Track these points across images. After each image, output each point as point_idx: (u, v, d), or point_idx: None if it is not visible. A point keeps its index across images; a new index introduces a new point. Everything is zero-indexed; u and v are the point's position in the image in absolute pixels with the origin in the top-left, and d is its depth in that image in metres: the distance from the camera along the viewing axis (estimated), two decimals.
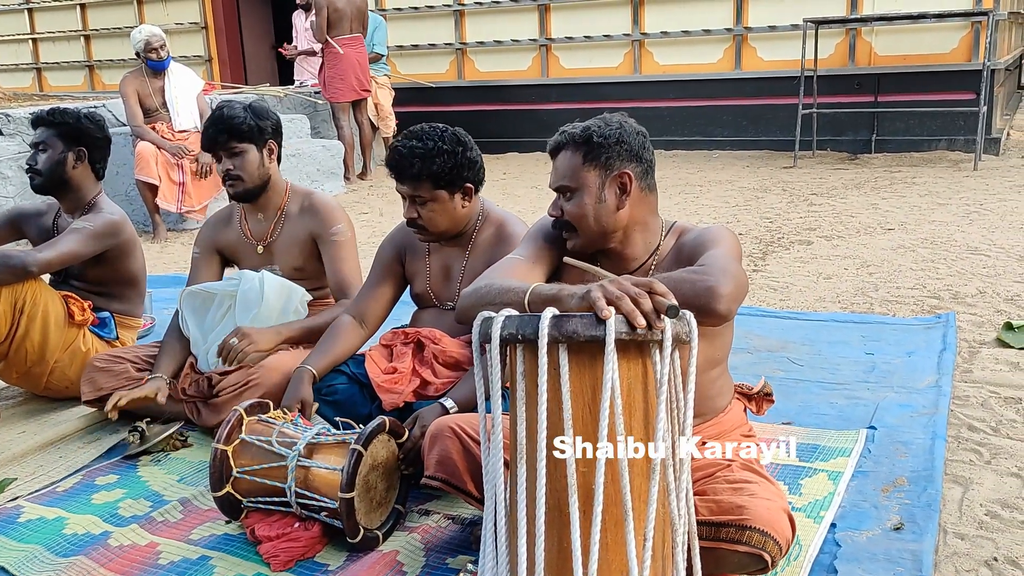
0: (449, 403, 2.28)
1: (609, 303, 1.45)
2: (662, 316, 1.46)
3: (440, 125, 2.49)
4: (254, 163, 2.89)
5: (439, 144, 2.42)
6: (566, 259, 1.95)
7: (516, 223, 2.58)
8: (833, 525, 2.11)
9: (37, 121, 3.19)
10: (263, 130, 2.90)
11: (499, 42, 9.66)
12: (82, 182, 3.18)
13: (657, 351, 1.46)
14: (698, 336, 1.52)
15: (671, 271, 1.80)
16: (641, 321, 1.44)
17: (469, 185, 2.50)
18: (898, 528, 2.08)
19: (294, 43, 9.07)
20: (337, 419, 2.36)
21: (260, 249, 2.97)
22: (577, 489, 1.42)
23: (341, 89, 7.82)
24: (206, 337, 2.84)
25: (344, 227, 2.90)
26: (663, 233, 2.03)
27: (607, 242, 1.99)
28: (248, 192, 2.91)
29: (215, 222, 3.08)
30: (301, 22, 8.87)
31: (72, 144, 3.13)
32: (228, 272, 3.06)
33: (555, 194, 2.01)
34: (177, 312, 2.92)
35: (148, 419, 2.81)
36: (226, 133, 2.84)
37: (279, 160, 3.01)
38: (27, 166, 3.16)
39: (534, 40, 9.50)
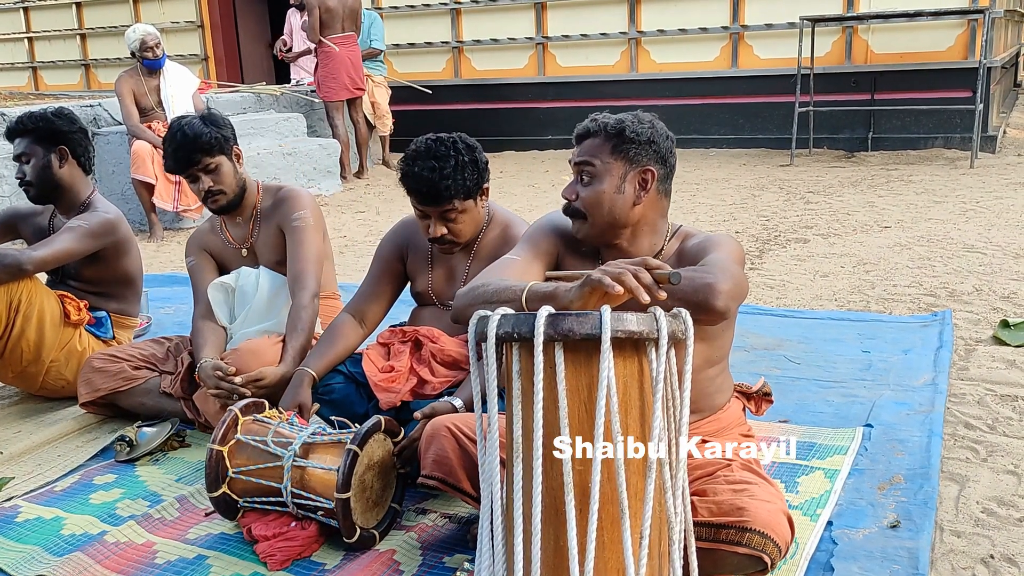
0: (458, 403, 2.26)
1: (614, 280, 1.49)
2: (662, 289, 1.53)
3: (444, 136, 2.43)
4: (230, 174, 2.84)
5: (459, 157, 2.38)
6: (548, 273, 1.96)
7: (521, 225, 2.56)
8: (830, 523, 2.11)
9: (11, 133, 3.16)
10: (227, 138, 2.84)
11: (496, 40, 9.66)
12: (73, 181, 3.18)
13: (653, 349, 1.46)
14: (698, 338, 1.53)
15: None
16: (645, 297, 1.49)
17: (487, 185, 2.50)
18: (894, 526, 2.08)
19: (288, 42, 9.06)
20: (333, 418, 2.35)
21: (244, 252, 2.95)
22: (573, 487, 1.42)
23: (334, 88, 7.81)
24: (233, 334, 2.86)
25: (306, 213, 2.85)
26: (668, 236, 2.04)
27: (614, 236, 1.99)
28: (231, 203, 2.87)
29: (199, 232, 3.05)
30: (296, 20, 8.86)
31: (51, 145, 3.12)
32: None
33: (563, 193, 2.01)
34: (194, 316, 2.92)
35: (139, 423, 2.81)
36: (198, 152, 2.76)
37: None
38: (18, 180, 3.15)
39: (531, 38, 9.49)
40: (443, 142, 2.41)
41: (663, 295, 1.53)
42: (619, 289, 1.49)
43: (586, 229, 1.98)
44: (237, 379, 2.56)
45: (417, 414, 2.22)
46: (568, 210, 2.00)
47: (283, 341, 2.71)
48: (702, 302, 1.67)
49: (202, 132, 2.77)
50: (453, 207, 2.42)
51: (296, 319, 2.72)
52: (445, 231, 2.45)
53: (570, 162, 2.01)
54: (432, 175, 2.36)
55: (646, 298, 1.50)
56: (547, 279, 1.98)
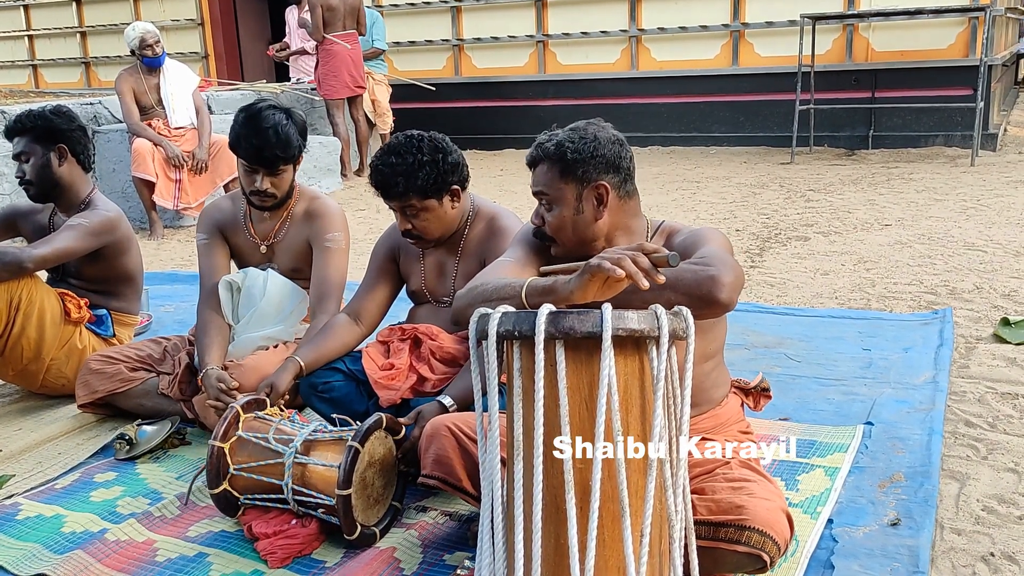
0: (447, 400, 2.28)
1: (614, 264, 1.50)
2: (659, 269, 1.54)
3: (415, 134, 2.46)
4: (288, 181, 2.81)
5: (419, 156, 2.40)
6: (542, 268, 1.97)
7: (507, 216, 2.58)
8: (830, 521, 2.11)
9: (9, 132, 3.16)
10: (303, 149, 2.81)
11: (496, 38, 9.65)
12: (73, 179, 3.17)
13: (654, 347, 1.46)
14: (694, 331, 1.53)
15: None
16: (644, 283, 1.49)
17: (456, 187, 2.49)
18: (895, 524, 2.08)
19: (286, 39, 9.07)
20: (334, 415, 2.36)
21: (263, 249, 2.92)
22: (574, 486, 1.42)
23: (335, 86, 7.82)
24: (236, 335, 2.84)
25: (340, 236, 2.83)
26: (649, 234, 2.04)
27: (589, 249, 1.99)
28: (275, 206, 2.84)
29: (217, 211, 2.97)
30: (294, 19, 8.86)
31: (50, 144, 3.11)
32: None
33: (530, 219, 2.04)
34: (200, 306, 2.87)
35: (139, 421, 2.81)
36: (279, 160, 2.71)
37: None
38: (18, 179, 3.15)
39: (531, 36, 9.49)
40: (411, 140, 2.44)
41: (662, 279, 1.53)
42: (620, 273, 1.49)
43: (560, 251, 2.00)
44: (239, 397, 2.54)
45: (403, 420, 2.24)
46: (539, 234, 2.03)
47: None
48: (706, 295, 1.67)
49: (292, 142, 2.71)
50: (411, 204, 2.44)
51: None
52: (409, 226, 2.49)
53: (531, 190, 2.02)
54: (387, 170, 2.41)
55: (645, 283, 1.49)
56: (542, 274, 1.98)
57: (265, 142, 2.67)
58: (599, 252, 1.97)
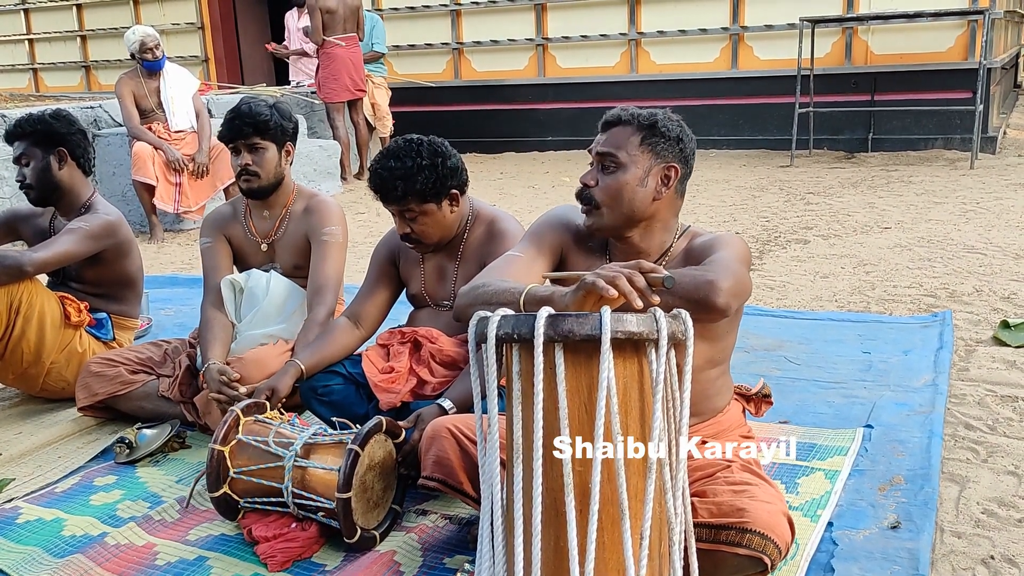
0: (447, 404, 2.28)
1: (608, 283, 1.50)
2: (656, 291, 1.54)
3: (415, 138, 2.47)
4: (272, 161, 2.87)
5: (418, 160, 2.41)
6: (545, 275, 1.97)
7: (507, 219, 2.59)
8: (830, 524, 2.11)
9: (9, 136, 3.17)
10: (285, 130, 2.89)
11: (496, 42, 9.66)
12: (73, 183, 3.18)
13: (653, 350, 1.46)
14: (701, 338, 1.54)
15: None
16: (638, 303, 1.50)
17: (455, 191, 2.49)
18: (895, 527, 2.08)
19: (284, 43, 9.08)
20: (334, 419, 2.36)
21: (264, 247, 2.96)
22: (573, 488, 1.42)
23: (335, 89, 7.82)
24: (239, 334, 2.85)
25: (337, 229, 2.88)
26: (677, 235, 2.05)
27: (628, 229, 1.98)
28: (262, 189, 2.89)
29: (220, 214, 3.05)
30: (294, 22, 8.87)
31: (50, 147, 3.12)
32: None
33: (581, 178, 2.00)
34: (204, 304, 2.90)
35: (139, 425, 2.81)
36: (251, 127, 2.82)
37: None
38: (18, 183, 3.16)
39: (531, 40, 9.49)
40: (410, 144, 2.45)
41: (656, 299, 1.54)
42: (613, 293, 1.50)
43: (600, 220, 1.97)
44: (242, 389, 2.56)
45: (403, 423, 2.24)
46: (582, 196, 1.99)
47: (291, 351, 2.72)
48: (703, 299, 1.68)
49: (262, 113, 2.84)
50: (409, 208, 2.45)
51: (308, 332, 2.71)
52: (409, 230, 2.50)
53: (590, 151, 2.00)
54: (386, 174, 2.42)
55: (639, 303, 1.51)
56: (548, 280, 1.98)
57: (236, 115, 2.83)
58: (636, 236, 1.99)
